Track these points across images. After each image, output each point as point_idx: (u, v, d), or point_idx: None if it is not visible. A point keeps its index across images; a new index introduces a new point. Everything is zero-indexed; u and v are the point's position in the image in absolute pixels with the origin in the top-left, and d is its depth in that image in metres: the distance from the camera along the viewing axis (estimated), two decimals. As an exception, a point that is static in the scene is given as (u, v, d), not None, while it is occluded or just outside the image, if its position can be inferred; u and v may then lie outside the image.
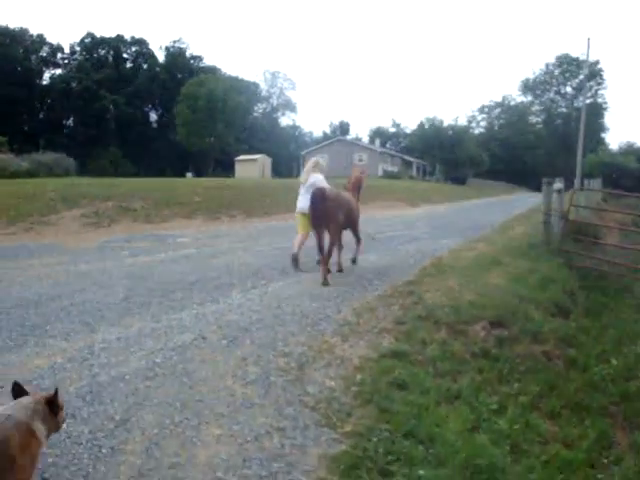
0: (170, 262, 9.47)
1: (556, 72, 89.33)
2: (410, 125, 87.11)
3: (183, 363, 4.57)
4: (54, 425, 2.69)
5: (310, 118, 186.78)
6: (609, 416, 5.24)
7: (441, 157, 60.82)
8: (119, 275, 8.14)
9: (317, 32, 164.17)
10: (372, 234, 12.94)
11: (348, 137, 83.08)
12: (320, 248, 8.14)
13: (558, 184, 11.03)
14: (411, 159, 70.53)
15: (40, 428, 2.52)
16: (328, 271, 7.91)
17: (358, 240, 9.42)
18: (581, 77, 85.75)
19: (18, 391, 2.64)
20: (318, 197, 8.07)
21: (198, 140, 62.98)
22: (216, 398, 3.99)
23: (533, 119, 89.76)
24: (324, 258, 7.95)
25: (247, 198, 20.63)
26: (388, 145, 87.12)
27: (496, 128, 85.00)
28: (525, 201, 35.85)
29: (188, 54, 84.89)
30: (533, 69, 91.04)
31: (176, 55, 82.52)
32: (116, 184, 19.95)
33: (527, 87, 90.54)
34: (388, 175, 58.12)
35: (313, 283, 7.73)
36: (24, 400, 2.56)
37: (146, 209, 16.01)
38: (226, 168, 59.25)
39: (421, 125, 70.30)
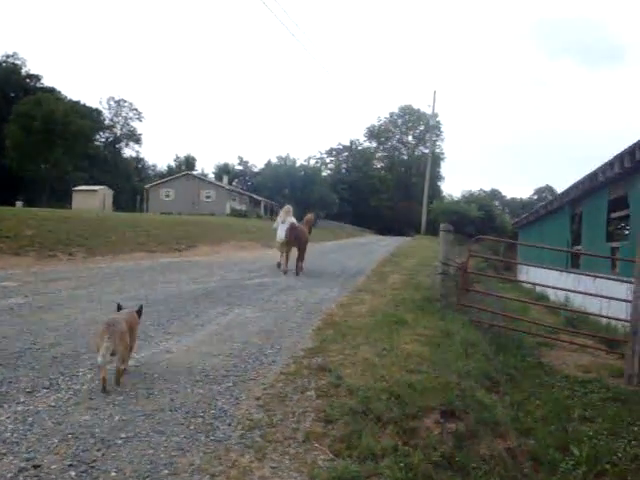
0: (-14, 318, 7.12)
1: (399, 121, 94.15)
2: (257, 163, 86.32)
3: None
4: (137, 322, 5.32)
5: (154, 150, 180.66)
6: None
7: (292, 197, 60.48)
8: None
9: (163, 63, 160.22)
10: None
11: (194, 172, 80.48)
12: (286, 258, 14.71)
13: (445, 232, 10.05)
14: (259, 198, 69.65)
15: (136, 320, 5.27)
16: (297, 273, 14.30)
17: (302, 258, 14.98)
18: (421, 128, 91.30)
19: (119, 307, 5.35)
20: (293, 229, 14.54)
21: (31, 166, 56.96)
22: None
23: (377, 164, 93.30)
24: (287, 262, 14.65)
25: (89, 233, 18.00)
26: (235, 183, 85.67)
27: (343, 171, 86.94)
28: (377, 244, 36.05)
29: (24, 72, 77.39)
30: (379, 116, 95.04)
31: (9, 71, 74.97)
32: None
33: (372, 134, 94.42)
34: (236, 213, 56.81)
35: (190, 348, 5.92)
36: (126, 309, 5.33)
37: (-40, 243, 13.06)
38: (62, 198, 54.36)
39: (269, 164, 70.02)
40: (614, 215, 13.91)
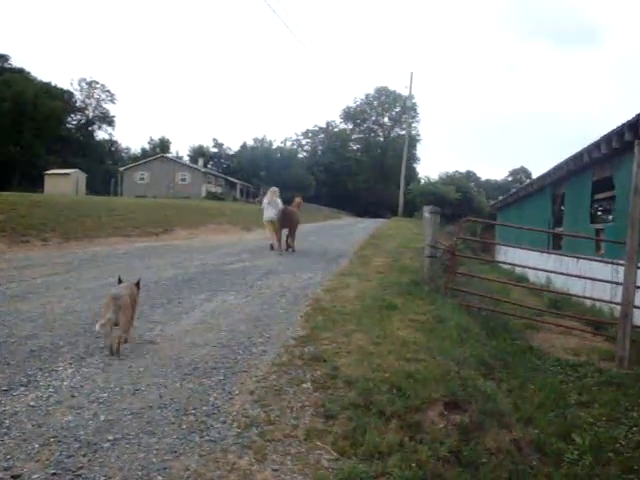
0: (-43, 308, 6.75)
1: (375, 103, 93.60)
2: (232, 146, 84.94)
3: None
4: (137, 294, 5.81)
5: (128, 133, 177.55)
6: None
7: (269, 179, 59.92)
8: None
9: (135, 43, 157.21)
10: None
11: (169, 155, 79.07)
12: (279, 239, 15.78)
13: (433, 214, 9.81)
14: (235, 180, 68.81)
15: (136, 292, 5.73)
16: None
17: (293, 238, 16.27)
18: (397, 109, 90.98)
19: (119, 280, 5.75)
20: (286, 212, 15.87)
21: (0, 149, 55.46)
22: None
23: (354, 146, 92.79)
24: (280, 244, 15.71)
25: (63, 218, 17.46)
26: (210, 165, 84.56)
27: (319, 153, 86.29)
28: (356, 226, 35.82)
29: None
30: (355, 98, 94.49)
31: None
32: None
33: (348, 115, 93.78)
34: (212, 196, 56.10)
35: (175, 338, 5.63)
36: (125, 283, 5.69)
37: None
38: (34, 182, 52.99)
39: (244, 146, 69.10)
40: (598, 196, 13.83)
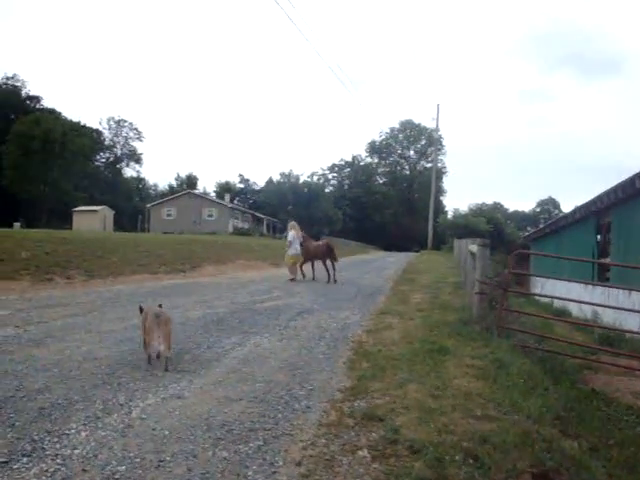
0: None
1: (400, 136, 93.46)
2: (258, 181, 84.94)
3: None
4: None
5: (155, 170, 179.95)
6: None
7: (296, 214, 59.54)
8: None
9: (163, 82, 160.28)
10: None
11: (196, 191, 79.35)
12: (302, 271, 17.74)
13: (483, 247, 9.03)
14: (262, 216, 68.66)
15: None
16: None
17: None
18: (423, 142, 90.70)
19: (140, 309, 6.35)
20: (328, 246, 17.73)
21: (30, 186, 55.86)
22: None
23: (380, 180, 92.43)
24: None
25: (88, 255, 17.03)
26: (236, 201, 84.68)
27: (346, 187, 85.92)
28: (386, 260, 35.11)
29: (24, 93, 76.32)
30: (380, 131, 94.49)
31: (9, 93, 74.07)
32: None
33: (374, 149, 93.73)
34: (239, 232, 55.94)
35: (205, 391, 4.93)
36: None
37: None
38: (62, 219, 53.26)
39: (270, 181, 69.08)
40: (653, 224, 12.95)
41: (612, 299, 13.64)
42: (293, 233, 17.64)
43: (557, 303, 18.00)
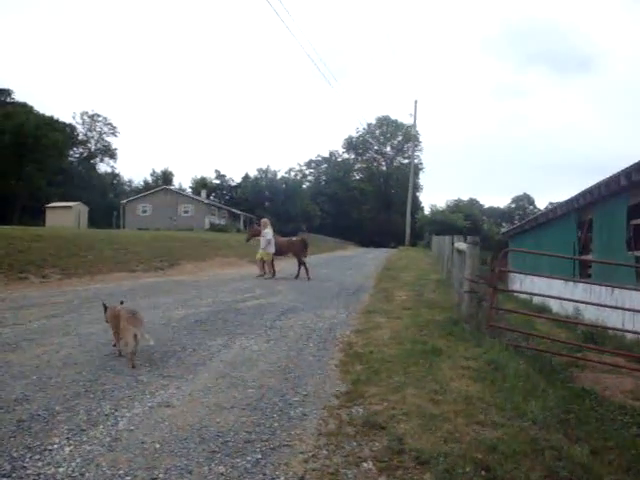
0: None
1: (377, 132, 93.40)
2: (234, 177, 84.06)
3: None
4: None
5: (130, 165, 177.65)
6: None
7: (273, 210, 59.16)
8: None
9: (137, 76, 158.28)
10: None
11: (172, 187, 78.39)
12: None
13: (473, 245, 8.85)
14: (238, 212, 68.08)
15: None
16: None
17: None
18: (399, 138, 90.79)
19: (105, 306, 6.61)
20: (304, 242, 18.26)
21: (1, 182, 54.64)
22: None
23: (357, 176, 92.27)
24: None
25: (64, 253, 16.59)
26: (212, 197, 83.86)
27: (323, 183, 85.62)
28: (365, 257, 34.97)
29: None
30: (357, 128, 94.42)
31: None
32: None
33: (350, 145, 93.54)
34: (215, 228, 55.36)
35: (194, 398, 4.68)
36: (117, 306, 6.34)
37: None
38: (35, 216, 52.20)
39: (247, 177, 68.55)
40: (635, 222, 12.90)
41: (594, 296, 13.60)
42: (270, 230, 17.48)
43: (537, 299, 17.99)
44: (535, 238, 24.40)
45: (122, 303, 6.59)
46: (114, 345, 6.42)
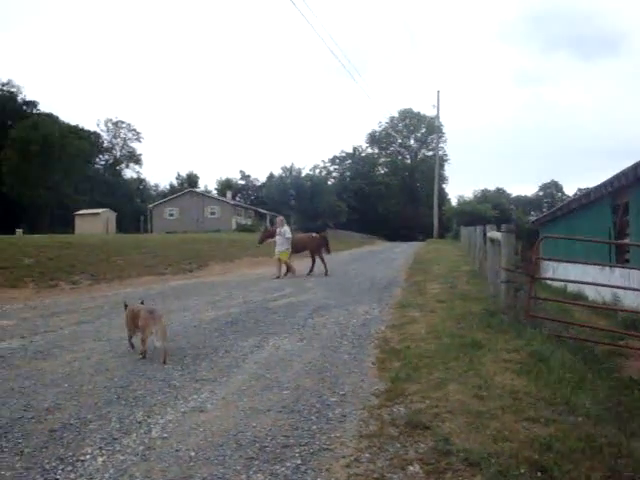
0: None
1: (400, 126, 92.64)
2: (259, 177, 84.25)
3: None
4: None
5: (155, 170, 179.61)
6: None
7: (299, 208, 59.02)
8: None
9: (159, 81, 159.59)
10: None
11: (197, 189, 78.78)
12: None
13: (508, 233, 8.52)
14: (264, 211, 68.15)
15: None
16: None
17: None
18: (423, 131, 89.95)
19: (125, 305, 6.69)
20: (324, 238, 18.54)
21: (30, 191, 55.36)
22: None
23: (381, 170, 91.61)
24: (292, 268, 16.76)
25: (93, 258, 16.68)
26: (238, 197, 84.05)
27: (348, 179, 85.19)
28: (393, 251, 34.71)
29: (20, 99, 75.01)
30: (380, 122, 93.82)
31: (5, 100, 72.84)
32: None
33: (374, 139, 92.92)
34: (242, 228, 55.44)
35: (229, 402, 4.53)
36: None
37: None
38: (65, 223, 52.89)
39: (271, 176, 68.61)
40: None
41: (633, 281, 13.17)
42: (287, 228, 17.21)
43: (571, 287, 17.51)
44: (567, 225, 23.84)
45: (142, 303, 6.83)
46: (132, 345, 6.60)
